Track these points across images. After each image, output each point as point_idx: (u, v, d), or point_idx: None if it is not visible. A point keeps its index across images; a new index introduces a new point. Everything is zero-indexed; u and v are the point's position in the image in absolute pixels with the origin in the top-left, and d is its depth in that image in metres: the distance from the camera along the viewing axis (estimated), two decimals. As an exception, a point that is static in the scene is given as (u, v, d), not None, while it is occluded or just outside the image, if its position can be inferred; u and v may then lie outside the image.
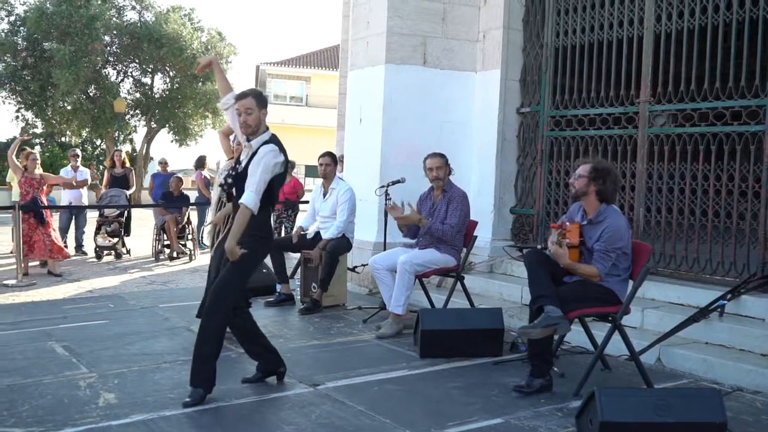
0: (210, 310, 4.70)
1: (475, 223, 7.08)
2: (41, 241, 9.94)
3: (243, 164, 4.79)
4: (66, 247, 12.27)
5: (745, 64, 6.56)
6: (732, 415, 4.44)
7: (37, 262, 10.62)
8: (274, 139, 4.80)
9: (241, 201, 4.63)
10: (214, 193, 6.68)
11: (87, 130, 30.72)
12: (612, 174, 5.16)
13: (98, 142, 33.89)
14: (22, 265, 9.66)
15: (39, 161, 10.61)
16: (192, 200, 13.56)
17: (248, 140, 4.82)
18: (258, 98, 4.78)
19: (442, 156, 6.94)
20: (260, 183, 4.63)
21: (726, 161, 6.69)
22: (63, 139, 32.43)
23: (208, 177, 14.61)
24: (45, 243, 9.99)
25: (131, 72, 31.08)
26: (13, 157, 10.59)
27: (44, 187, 10.47)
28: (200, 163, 14.63)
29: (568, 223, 5.10)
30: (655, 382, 5.09)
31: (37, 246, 9.92)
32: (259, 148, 4.72)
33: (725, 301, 5.93)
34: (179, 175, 13.22)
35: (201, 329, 4.71)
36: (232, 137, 6.39)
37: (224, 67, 29.61)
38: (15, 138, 10.98)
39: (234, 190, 4.81)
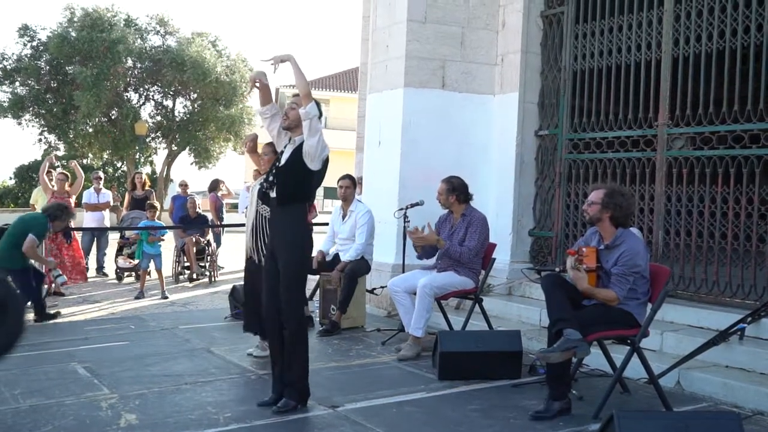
0: (289, 323, 4.97)
1: (493, 246, 7.10)
2: (64, 264, 10.05)
3: (285, 159, 5.06)
4: (88, 269, 12.40)
5: (763, 87, 6.57)
6: (752, 439, 4.42)
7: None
8: None
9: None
10: (249, 216, 6.66)
11: (108, 152, 30.99)
12: (625, 199, 5.16)
13: (119, 164, 34.17)
14: (45, 286, 9.74)
15: (67, 181, 10.78)
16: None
17: (288, 140, 5.16)
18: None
19: (448, 183, 6.99)
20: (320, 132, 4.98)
21: (745, 184, 6.67)
22: (85, 161, 32.73)
23: (222, 201, 14.65)
24: (66, 264, 10.10)
25: (152, 95, 31.37)
26: (44, 176, 10.77)
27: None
28: (213, 186, 14.67)
29: (584, 249, 5.11)
30: (674, 405, 5.08)
31: (65, 269, 10.03)
32: (302, 142, 4.98)
33: (745, 324, 5.90)
34: (193, 196, 13.28)
35: (288, 350, 4.99)
36: (260, 149, 6.47)
37: (245, 91, 29.82)
38: (39, 160, 11.18)
39: (275, 187, 5.01)
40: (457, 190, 6.95)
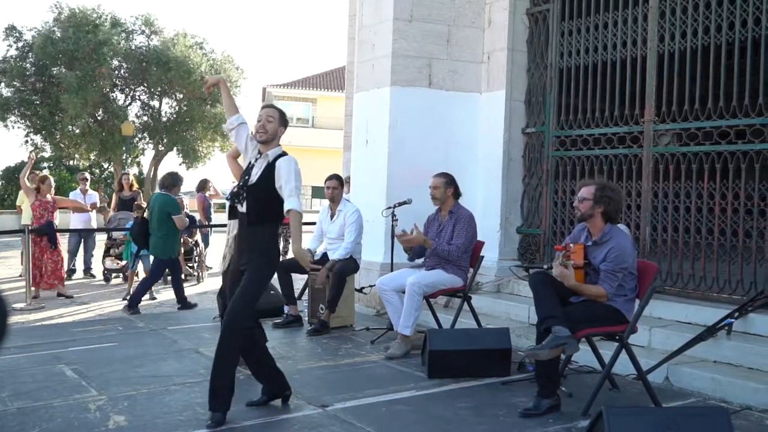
0: (226, 332, 4.70)
1: (481, 244, 7.10)
2: (45, 266, 10.03)
3: (256, 176, 4.85)
4: (75, 271, 12.38)
5: (749, 83, 6.60)
6: (740, 433, 4.44)
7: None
8: (288, 155, 4.93)
9: (287, 208, 4.74)
10: (230, 222, 6.65)
11: (95, 153, 30.88)
12: (616, 193, 5.19)
13: (106, 165, 34.06)
14: (32, 288, 9.71)
15: (53, 186, 10.76)
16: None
17: (259, 154, 4.92)
18: (281, 114, 5.01)
19: (443, 176, 6.99)
20: (297, 189, 4.78)
21: (731, 179, 6.71)
22: (71, 162, 32.59)
23: (210, 201, 14.58)
24: (47, 269, 10.07)
25: (139, 95, 31.28)
26: (26, 179, 10.73)
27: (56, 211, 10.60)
28: (201, 186, 14.61)
29: (572, 245, 5.12)
30: (663, 401, 5.10)
31: (41, 275, 10.01)
32: (276, 160, 4.82)
33: (733, 320, 5.93)
34: (181, 197, 13.23)
35: (218, 352, 4.73)
36: (240, 159, 6.42)
37: (233, 91, 29.72)
38: (24, 162, 11.14)
39: (245, 203, 4.83)
40: (452, 184, 6.97)
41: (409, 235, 6.78)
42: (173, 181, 9.48)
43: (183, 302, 9.34)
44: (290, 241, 12.68)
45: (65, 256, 11.40)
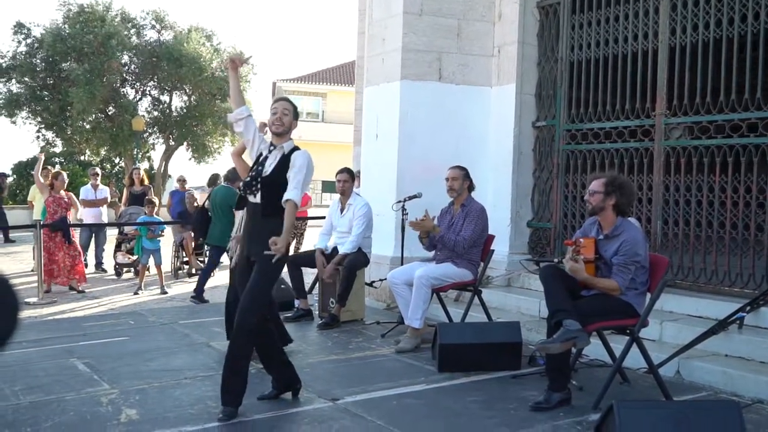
0: (239, 326, 4.69)
1: (492, 237, 7.10)
2: (62, 261, 10.07)
3: (270, 168, 4.83)
4: (86, 266, 12.42)
5: (761, 76, 6.56)
6: (752, 427, 4.43)
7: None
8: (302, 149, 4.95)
9: (287, 197, 4.71)
10: (238, 213, 6.66)
11: (106, 148, 30.97)
12: (627, 186, 5.18)
13: (117, 160, 34.13)
14: (44, 282, 9.75)
15: (66, 182, 10.81)
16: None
17: (272, 146, 4.92)
18: (295, 108, 5.05)
19: (461, 169, 7.01)
20: (304, 183, 4.79)
21: (743, 173, 6.67)
22: (82, 157, 32.67)
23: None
24: (66, 264, 10.12)
25: (149, 90, 31.34)
26: (39, 176, 10.78)
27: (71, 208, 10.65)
28: (213, 181, 14.63)
29: (581, 240, 5.11)
30: (674, 394, 5.08)
31: (60, 270, 10.06)
32: (291, 152, 4.83)
33: (744, 313, 5.91)
34: (192, 191, 13.30)
35: (231, 347, 4.74)
36: (245, 155, 6.42)
37: (243, 86, 29.71)
38: (35, 157, 11.19)
39: (258, 194, 4.80)
40: (469, 177, 6.99)
41: (420, 220, 6.78)
42: (236, 175, 9.58)
43: (199, 295, 9.44)
44: (294, 234, 12.80)
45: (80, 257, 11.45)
